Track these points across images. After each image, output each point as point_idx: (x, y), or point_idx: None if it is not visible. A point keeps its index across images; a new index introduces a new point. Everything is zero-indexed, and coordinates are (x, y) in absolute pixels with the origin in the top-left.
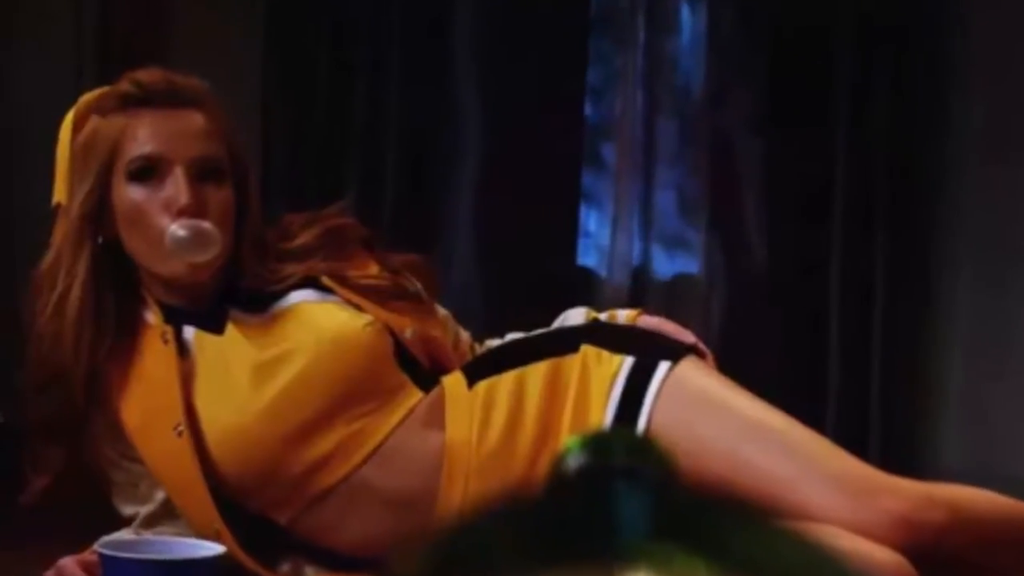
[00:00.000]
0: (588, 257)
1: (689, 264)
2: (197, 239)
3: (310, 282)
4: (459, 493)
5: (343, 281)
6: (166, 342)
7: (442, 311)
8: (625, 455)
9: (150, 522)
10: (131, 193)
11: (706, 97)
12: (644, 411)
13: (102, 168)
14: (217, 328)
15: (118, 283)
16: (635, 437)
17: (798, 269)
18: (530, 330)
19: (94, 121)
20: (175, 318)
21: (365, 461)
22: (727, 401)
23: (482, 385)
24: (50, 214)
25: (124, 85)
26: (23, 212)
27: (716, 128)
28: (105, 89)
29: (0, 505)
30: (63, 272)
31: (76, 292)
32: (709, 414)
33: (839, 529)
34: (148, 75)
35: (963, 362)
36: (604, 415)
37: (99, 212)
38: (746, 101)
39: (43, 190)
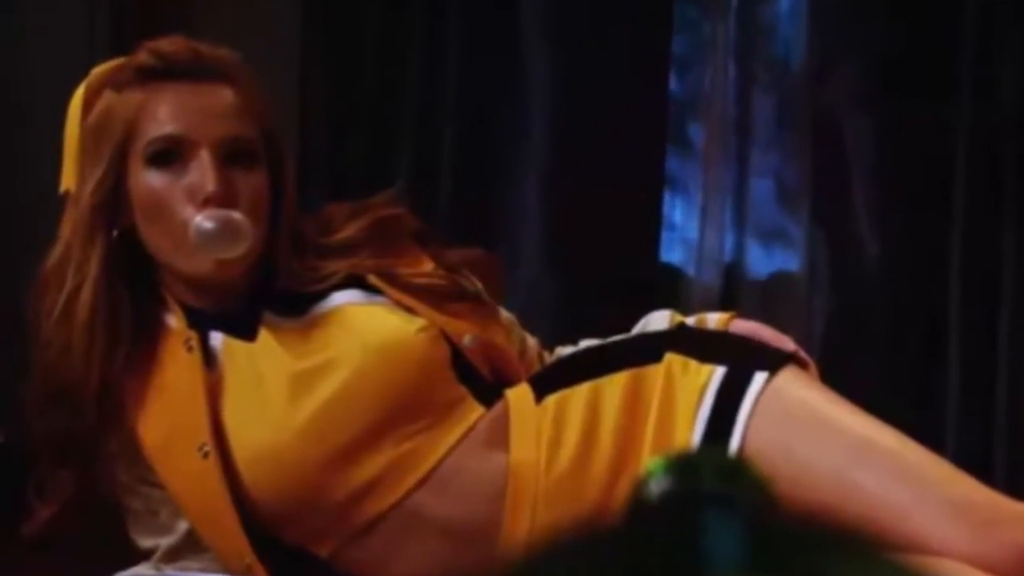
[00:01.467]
0: (673, 253)
1: (789, 260)
2: (225, 232)
3: (355, 281)
4: (525, 522)
5: (393, 280)
6: (190, 349)
7: (506, 315)
8: (716, 479)
9: (172, 556)
10: (150, 179)
11: (808, 69)
12: (737, 429)
13: (116, 151)
14: (248, 334)
15: (135, 282)
16: (727, 459)
17: (913, 265)
18: (607, 336)
19: (108, 97)
20: (200, 322)
21: (418, 486)
22: (832, 417)
23: (552, 399)
24: (58, 203)
25: (142, 56)
26: (27, 201)
27: (819, 105)
28: (120, 61)
29: None
30: (72, 269)
31: (87, 292)
32: (812, 432)
33: (959, 564)
34: (170, 44)
35: None
36: (691, 433)
37: (113, 201)
38: (854, 73)
39: (50, 176)
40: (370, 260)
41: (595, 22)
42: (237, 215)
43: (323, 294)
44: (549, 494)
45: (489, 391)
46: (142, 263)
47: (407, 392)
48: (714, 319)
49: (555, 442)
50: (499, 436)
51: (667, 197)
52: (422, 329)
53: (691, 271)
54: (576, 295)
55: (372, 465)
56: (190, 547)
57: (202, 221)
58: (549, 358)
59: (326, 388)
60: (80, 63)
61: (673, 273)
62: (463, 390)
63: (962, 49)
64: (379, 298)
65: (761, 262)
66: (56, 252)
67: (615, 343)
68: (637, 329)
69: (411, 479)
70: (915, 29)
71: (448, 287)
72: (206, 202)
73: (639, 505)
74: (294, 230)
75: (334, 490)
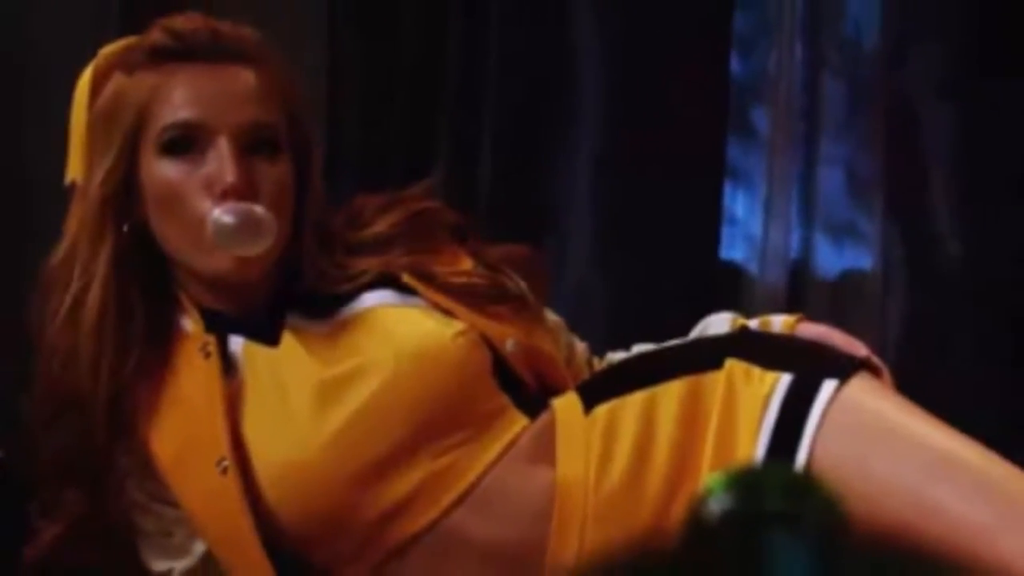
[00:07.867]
0: (734, 249)
1: (861, 258)
2: (246, 226)
3: (388, 281)
4: (573, 545)
5: (429, 279)
6: (207, 355)
7: (552, 317)
8: (781, 497)
9: None
10: (164, 170)
11: (883, 50)
12: (804, 442)
13: (127, 139)
14: (271, 338)
15: (147, 282)
16: (794, 475)
17: (1000, 264)
18: (662, 341)
19: (118, 80)
20: (219, 326)
21: (456, 505)
22: (909, 429)
23: (602, 409)
24: (63, 196)
25: (155, 35)
26: (31, 193)
27: (895, 89)
28: (131, 40)
29: None
30: (79, 268)
31: (95, 293)
32: (886, 445)
33: None
34: (186, 22)
35: None
36: (755, 447)
37: (124, 193)
38: (934, 54)
39: (56, 165)
40: (404, 257)
41: None
42: (259, 208)
43: (352, 295)
44: (599, 514)
45: (533, 401)
46: (155, 261)
47: (444, 402)
48: (779, 322)
49: (605, 456)
50: (544, 450)
51: (728, 188)
52: (460, 333)
53: (754, 269)
54: (629, 296)
55: (406, 482)
56: (207, 571)
57: (221, 215)
58: (599, 365)
59: (355, 398)
60: (88, 42)
61: (734, 272)
62: (505, 400)
63: None
64: (414, 299)
65: (830, 260)
66: (61, 249)
67: (671, 348)
68: (695, 333)
69: (448, 497)
70: (1002, 6)
71: (489, 287)
72: (225, 194)
73: (698, 526)
74: (321, 225)
75: (364, 509)
